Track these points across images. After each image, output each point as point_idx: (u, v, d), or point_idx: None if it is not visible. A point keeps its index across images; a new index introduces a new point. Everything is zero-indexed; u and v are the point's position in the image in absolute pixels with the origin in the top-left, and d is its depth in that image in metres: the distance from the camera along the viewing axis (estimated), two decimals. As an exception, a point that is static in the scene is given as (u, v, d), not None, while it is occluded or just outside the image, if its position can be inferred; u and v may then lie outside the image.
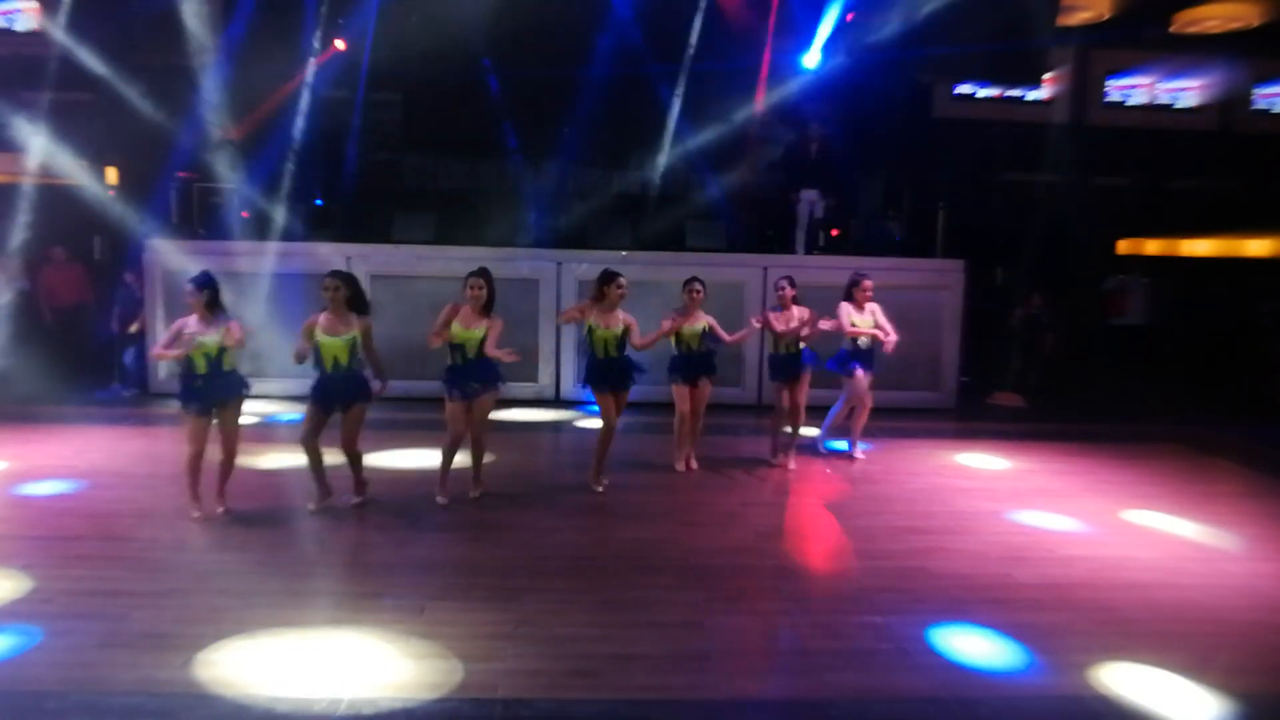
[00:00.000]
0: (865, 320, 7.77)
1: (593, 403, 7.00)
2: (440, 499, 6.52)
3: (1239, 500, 7.23)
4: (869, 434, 8.29)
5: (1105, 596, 5.17)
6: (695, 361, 7.35)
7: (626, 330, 6.82)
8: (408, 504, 6.52)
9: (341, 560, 5.52)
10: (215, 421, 6.02)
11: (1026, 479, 7.72)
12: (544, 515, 6.47)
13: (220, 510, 6.15)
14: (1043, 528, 6.40)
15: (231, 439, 6.07)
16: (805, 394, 7.61)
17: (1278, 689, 4.27)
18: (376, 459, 7.66)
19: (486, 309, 6.34)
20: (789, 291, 7.54)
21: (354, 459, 6.30)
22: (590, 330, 6.81)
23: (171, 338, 6.00)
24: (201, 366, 5.91)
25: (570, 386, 10.38)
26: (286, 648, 4.30)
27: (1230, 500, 7.20)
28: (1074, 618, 4.87)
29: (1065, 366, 11.66)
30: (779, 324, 7.49)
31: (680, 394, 7.37)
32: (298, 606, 4.72)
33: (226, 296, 6.15)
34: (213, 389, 5.94)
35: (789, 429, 7.71)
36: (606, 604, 4.90)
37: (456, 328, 6.24)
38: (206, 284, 5.98)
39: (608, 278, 6.81)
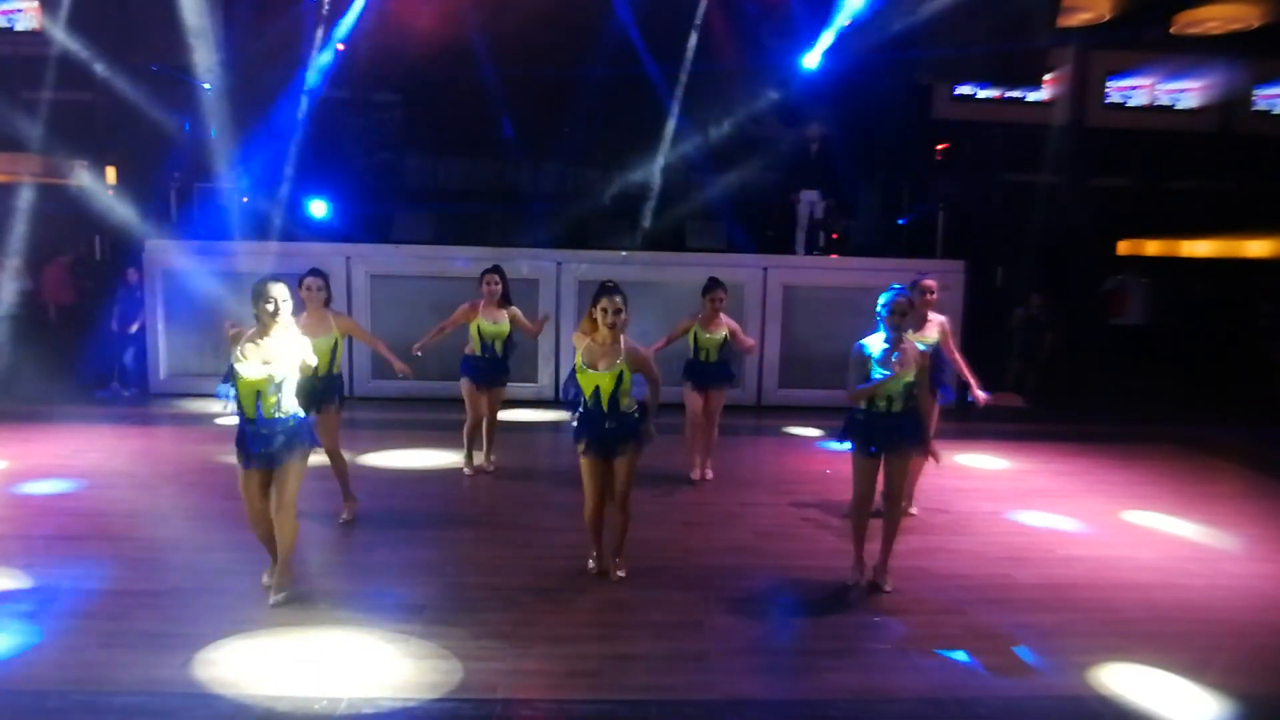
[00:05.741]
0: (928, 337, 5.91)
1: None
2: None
3: (1239, 500, 7.23)
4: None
5: (1105, 596, 5.17)
6: (712, 370, 7.06)
7: (623, 374, 4.85)
8: (408, 504, 6.52)
9: (341, 560, 5.52)
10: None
11: (1026, 479, 7.72)
12: (544, 515, 6.46)
13: (343, 518, 6.06)
14: (1043, 528, 6.40)
15: (330, 440, 5.91)
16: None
17: (1277, 689, 4.27)
18: (377, 459, 7.69)
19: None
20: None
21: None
22: (579, 369, 4.86)
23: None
24: (322, 369, 5.69)
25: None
26: (286, 648, 4.30)
27: (1230, 500, 7.19)
28: (1074, 618, 4.87)
29: (1065, 366, 11.66)
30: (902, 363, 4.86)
31: (692, 399, 7.05)
32: (298, 606, 4.72)
33: (226, 297, 6.12)
34: (317, 390, 5.68)
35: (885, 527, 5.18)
36: (606, 604, 4.90)
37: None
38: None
39: (603, 294, 4.78)
